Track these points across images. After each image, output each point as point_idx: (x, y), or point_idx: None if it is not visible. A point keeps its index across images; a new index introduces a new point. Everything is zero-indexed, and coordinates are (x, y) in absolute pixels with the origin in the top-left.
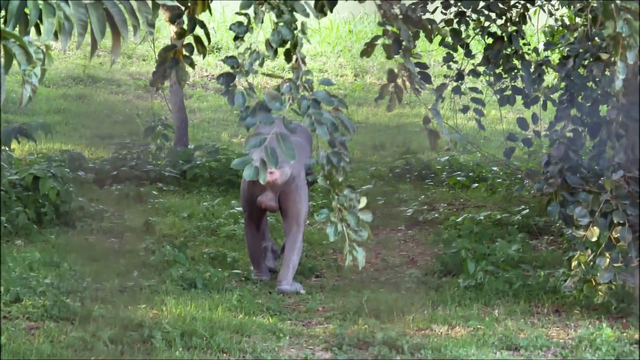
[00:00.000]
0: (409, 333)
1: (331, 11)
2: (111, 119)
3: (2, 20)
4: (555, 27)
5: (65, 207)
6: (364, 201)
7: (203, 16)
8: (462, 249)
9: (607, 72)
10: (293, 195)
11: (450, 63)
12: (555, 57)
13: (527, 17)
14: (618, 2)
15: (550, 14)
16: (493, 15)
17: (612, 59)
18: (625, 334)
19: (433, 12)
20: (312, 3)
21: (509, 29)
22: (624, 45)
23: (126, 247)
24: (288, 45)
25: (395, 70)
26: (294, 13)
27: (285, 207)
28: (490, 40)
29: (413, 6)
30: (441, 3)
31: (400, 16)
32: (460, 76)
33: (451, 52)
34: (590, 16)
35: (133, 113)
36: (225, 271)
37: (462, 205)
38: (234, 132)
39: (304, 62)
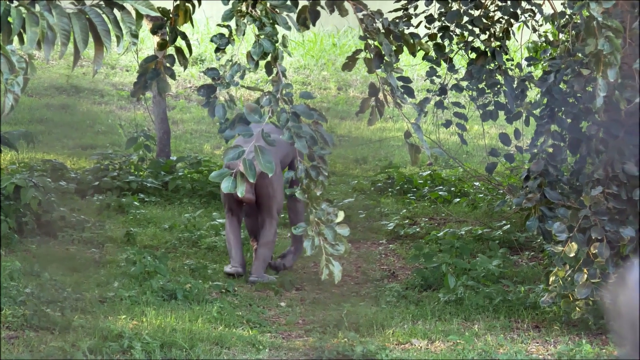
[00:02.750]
0: (389, 347)
1: (313, 24)
2: (94, 129)
3: None
4: (539, 43)
5: (46, 216)
6: (341, 215)
7: (185, 28)
8: (442, 264)
9: (588, 88)
10: (267, 188)
11: (433, 77)
12: (538, 73)
13: (511, 32)
14: (600, 19)
15: (534, 30)
16: (477, 30)
17: (593, 75)
18: (604, 351)
19: (417, 27)
20: (294, 16)
21: (493, 45)
22: (605, 62)
23: (107, 258)
24: (269, 58)
25: (377, 85)
26: (276, 26)
27: (259, 200)
28: (473, 55)
29: (397, 20)
30: (425, 17)
31: (382, 30)
32: (443, 91)
33: (434, 66)
34: (573, 32)
35: (115, 123)
36: (206, 283)
37: (444, 220)
38: (217, 144)
39: (285, 75)
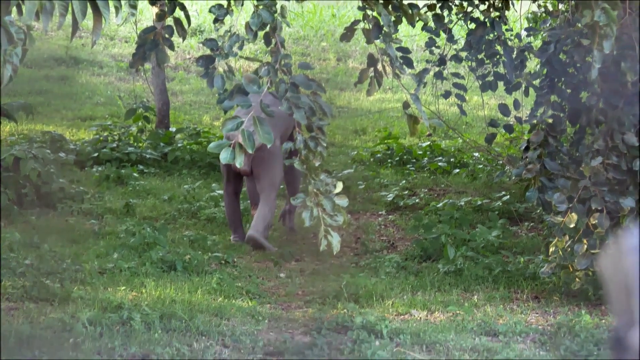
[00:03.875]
0: (388, 318)
1: None
2: (93, 100)
3: None
4: (538, 14)
5: (45, 188)
6: (340, 186)
7: None
8: (442, 235)
9: (588, 59)
10: (267, 161)
11: (433, 48)
12: (537, 43)
13: (510, 3)
14: None
15: (533, 0)
16: (476, 0)
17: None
18: (604, 321)
19: None
20: None
21: (492, 15)
22: (600, 34)
23: (106, 229)
24: (268, 29)
25: (376, 55)
26: None
27: (259, 172)
28: (472, 26)
29: None
30: None
31: (381, 1)
32: (442, 61)
33: (433, 37)
34: (572, 2)
35: (114, 95)
36: (205, 254)
37: (443, 191)
38: (216, 115)
39: (283, 46)
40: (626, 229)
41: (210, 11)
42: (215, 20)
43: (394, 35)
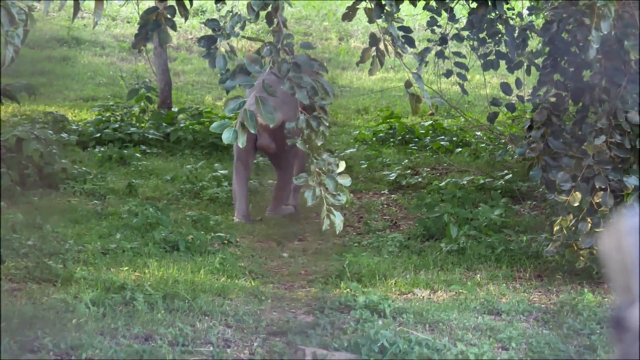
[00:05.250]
0: (391, 297)
1: None
2: (95, 81)
3: None
4: None
5: (48, 169)
6: (342, 165)
7: None
8: (444, 214)
9: (590, 37)
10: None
11: (434, 27)
12: (539, 22)
13: None
14: None
15: None
16: None
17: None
18: (606, 300)
19: None
20: None
21: None
22: (598, 14)
23: (109, 210)
24: (269, 9)
25: (378, 35)
26: None
27: (279, 151)
28: (474, 5)
29: None
30: None
31: None
32: (444, 40)
33: (435, 16)
34: None
35: (117, 75)
36: (208, 234)
37: (446, 170)
38: (218, 95)
39: (285, 26)
40: (627, 208)
41: None
42: (217, 1)
43: (395, 15)
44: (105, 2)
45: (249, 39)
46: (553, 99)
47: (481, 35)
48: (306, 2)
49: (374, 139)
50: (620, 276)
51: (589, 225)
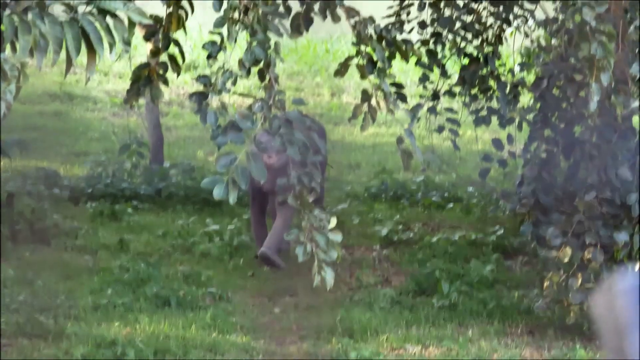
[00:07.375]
0: (383, 352)
1: (307, 30)
2: (87, 136)
3: None
4: (531, 49)
5: (40, 224)
6: (334, 221)
7: (178, 34)
8: (436, 269)
9: (581, 94)
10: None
11: (426, 83)
12: (530, 78)
13: (503, 38)
14: (593, 24)
15: (526, 35)
16: (469, 36)
17: (586, 80)
18: (598, 356)
19: (410, 32)
20: (287, 22)
21: (485, 50)
22: (598, 67)
23: (100, 265)
24: (261, 65)
25: (369, 91)
26: (268, 33)
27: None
28: (466, 61)
29: (389, 26)
30: (417, 24)
31: (375, 37)
32: (436, 96)
33: (427, 72)
34: (565, 37)
35: (109, 130)
36: (200, 289)
37: (437, 226)
38: (210, 150)
39: (277, 82)
40: (618, 269)
41: (203, 47)
42: (209, 57)
43: (387, 71)
44: (97, 58)
45: (241, 95)
46: (544, 155)
47: (473, 91)
48: (298, 57)
49: (365, 194)
50: (613, 337)
51: (579, 280)
